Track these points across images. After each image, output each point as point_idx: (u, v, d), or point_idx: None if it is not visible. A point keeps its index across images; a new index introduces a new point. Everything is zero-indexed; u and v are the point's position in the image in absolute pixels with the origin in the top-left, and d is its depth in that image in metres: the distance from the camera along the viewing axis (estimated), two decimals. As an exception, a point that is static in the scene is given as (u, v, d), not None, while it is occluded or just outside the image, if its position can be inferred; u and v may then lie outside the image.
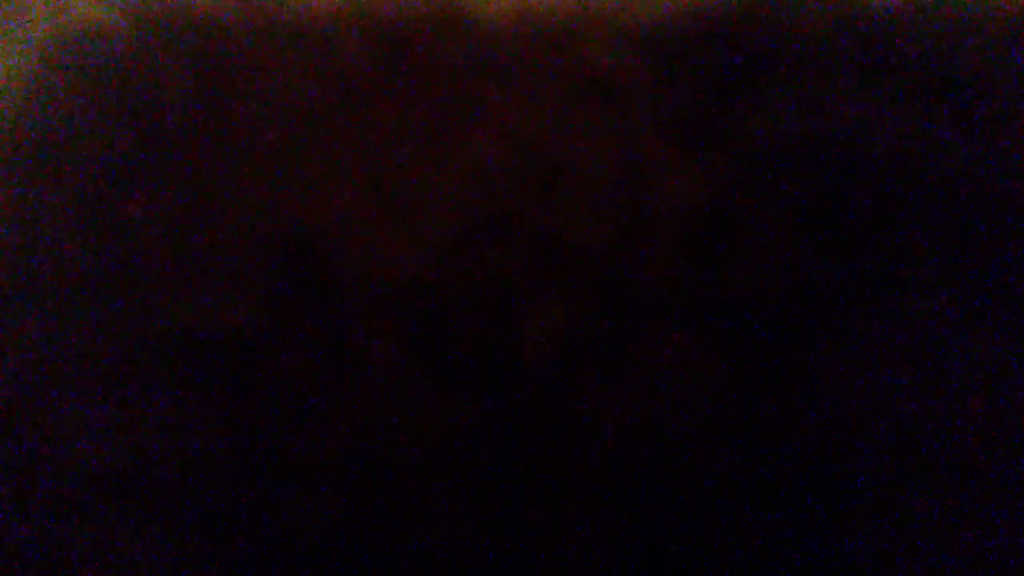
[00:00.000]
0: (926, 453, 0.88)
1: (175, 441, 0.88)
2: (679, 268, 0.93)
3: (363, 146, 0.97)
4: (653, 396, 0.90)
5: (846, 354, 0.91)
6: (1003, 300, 0.92)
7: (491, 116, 0.98)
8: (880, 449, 0.88)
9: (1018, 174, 0.96)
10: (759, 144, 0.97)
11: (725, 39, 1.00)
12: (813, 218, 0.95)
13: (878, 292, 0.92)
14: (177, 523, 0.86)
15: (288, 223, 0.95)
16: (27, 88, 0.98)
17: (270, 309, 0.92)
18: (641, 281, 0.93)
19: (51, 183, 0.96)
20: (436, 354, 0.91)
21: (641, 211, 0.95)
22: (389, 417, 0.89)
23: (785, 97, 0.98)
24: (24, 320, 0.92)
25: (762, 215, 0.95)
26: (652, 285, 0.93)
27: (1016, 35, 1.00)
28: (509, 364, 0.91)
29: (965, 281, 0.93)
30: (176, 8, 1.00)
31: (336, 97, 0.98)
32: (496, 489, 0.88)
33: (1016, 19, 1.00)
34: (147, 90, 0.99)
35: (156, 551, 0.86)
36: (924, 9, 1.00)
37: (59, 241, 0.94)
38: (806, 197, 0.95)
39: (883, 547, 0.86)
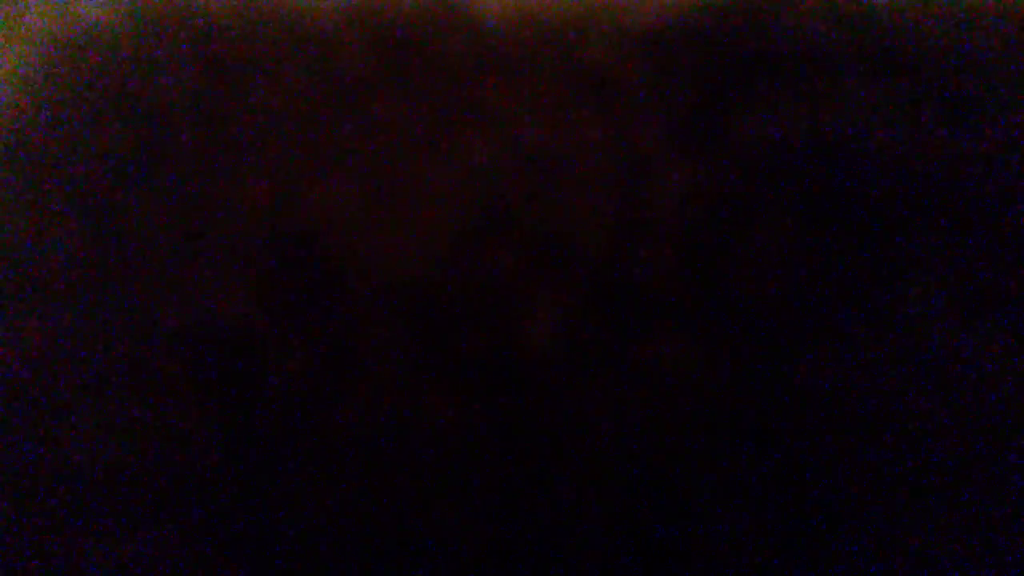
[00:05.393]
0: (925, 453, 0.88)
1: (175, 440, 0.89)
2: (678, 267, 0.93)
3: (363, 145, 0.97)
4: (652, 394, 0.90)
5: (844, 353, 0.91)
6: (1002, 300, 0.92)
7: (491, 116, 0.98)
8: (878, 448, 0.88)
9: (1018, 174, 0.96)
10: (758, 144, 0.97)
11: (725, 38, 1.00)
12: (812, 218, 0.95)
13: (877, 292, 0.92)
14: (177, 522, 0.86)
15: (289, 222, 0.95)
16: (27, 88, 0.98)
17: (271, 308, 0.92)
18: (641, 280, 0.93)
19: (51, 183, 0.96)
20: (436, 352, 0.91)
21: (640, 210, 0.95)
22: (389, 415, 0.89)
23: (784, 97, 0.98)
24: (24, 320, 0.92)
25: (761, 215, 0.95)
26: (651, 284, 0.93)
27: (1016, 35, 1.00)
28: (509, 362, 0.91)
29: (964, 281, 0.93)
30: (177, 8, 1.01)
31: (336, 96, 0.98)
32: (496, 486, 0.88)
33: (1016, 19, 1.00)
34: (147, 90, 0.99)
35: (155, 550, 0.86)
36: (924, 9, 1.01)
37: (59, 241, 0.94)
38: (805, 197, 0.95)
39: (881, 547, 0.86)
